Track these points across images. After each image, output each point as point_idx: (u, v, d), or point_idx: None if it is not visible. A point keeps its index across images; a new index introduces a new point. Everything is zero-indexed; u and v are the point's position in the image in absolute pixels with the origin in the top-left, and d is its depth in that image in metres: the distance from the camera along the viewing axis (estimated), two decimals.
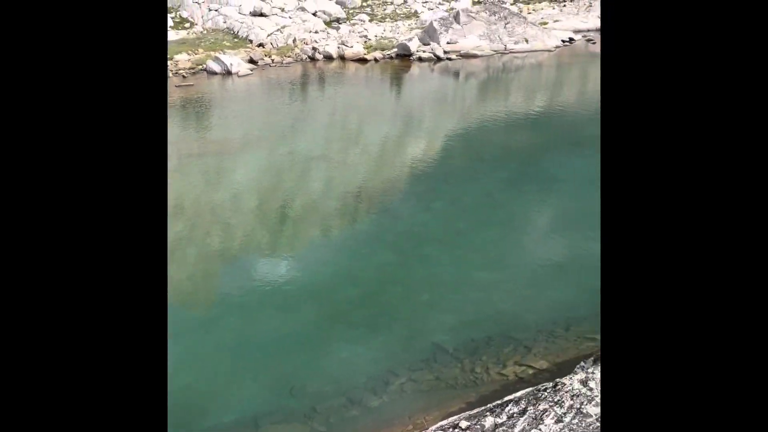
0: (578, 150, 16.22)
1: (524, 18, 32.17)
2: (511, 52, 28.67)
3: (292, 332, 8.74)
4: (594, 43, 31.41)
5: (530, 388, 5.97)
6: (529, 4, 38.95)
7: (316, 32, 29.77)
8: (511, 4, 38.06)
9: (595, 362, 5.83)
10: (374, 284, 10.09)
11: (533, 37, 29.40)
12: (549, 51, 29.15)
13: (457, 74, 26.72)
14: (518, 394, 5.94)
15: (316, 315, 9.14)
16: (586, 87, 24.54)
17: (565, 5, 38.77)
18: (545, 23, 33.23)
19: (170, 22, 28.35)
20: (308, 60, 27.50)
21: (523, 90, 24.22)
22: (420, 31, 30.71)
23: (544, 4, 39.49)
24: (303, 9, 31.37)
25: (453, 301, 9.37)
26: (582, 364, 6.01)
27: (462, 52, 28.18)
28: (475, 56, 28.14)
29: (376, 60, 27.82)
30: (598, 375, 5.33)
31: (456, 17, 29.67)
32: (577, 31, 33.03)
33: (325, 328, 8.87)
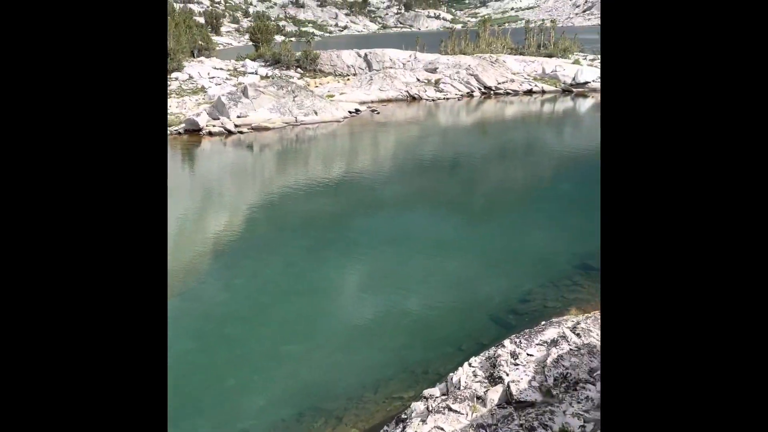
0: (375, 213, 17.00)
1: (311, 92, 33.58)
2: (302, 124, 29.58)
3: None
4: (378, 113, 33.76)
5: None
6: (315, 78, 40.88)
7: None
8: (299, 79, 39.61)
9: (397, 423, 5.91)
10: (174, 376, 9.26)
11: (322, 109, 30.75)
12: (338, 121, 30.66)
13: (251, 147, 26.74)
14: None
15: None
16: (377, 153, 26.09)
17: (348, 79, 41.38)
18: (332, 96, 35.03)
19: None
20: None
21: (319, 159, 24.95)
22: (208, 105, 30.37)
23: (329, 78, 41.75)
24: None
25: (260, 381, 8.93)
26: (386, 428, 6.05)
27: (253, 125, 28.40)
28: (266, 129, 28.51)
29: None
30: None
31: (244, 92, 29.95)
32: (362, 103, 35.31)
33: None
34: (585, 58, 48.77)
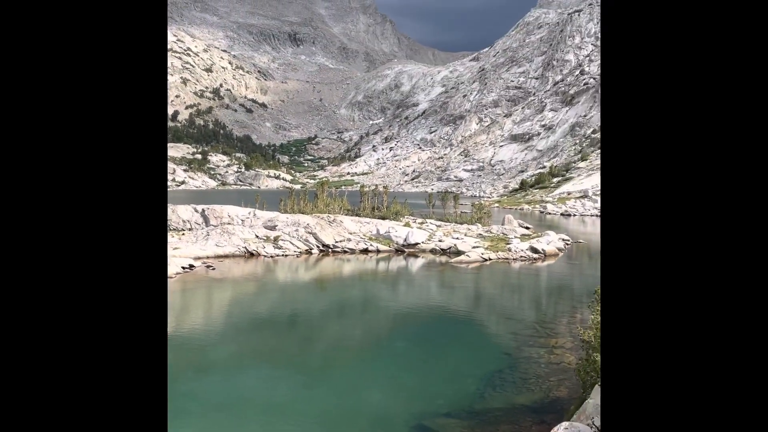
0: (204, 376, 15.80)
1: None
2: None
3: None
4: (214, 269, 32.85)
5: None
6: None
7: None
8: None
9: None
10: None
11: None
12: (170, 277, 29.21)
13: None
14: None
15: None
16: (210, 310, 24.92)
17: (183, 234, 40.34)
18: None
19: None
20: None
21: None
22: None
23: None
24: None
25: None
26: None
27: None
28: None
29: None
30: None
31: None
32: (197, 258, 34.28)
33: None
34: (415, 221, 52.78)
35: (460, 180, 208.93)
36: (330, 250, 41.05)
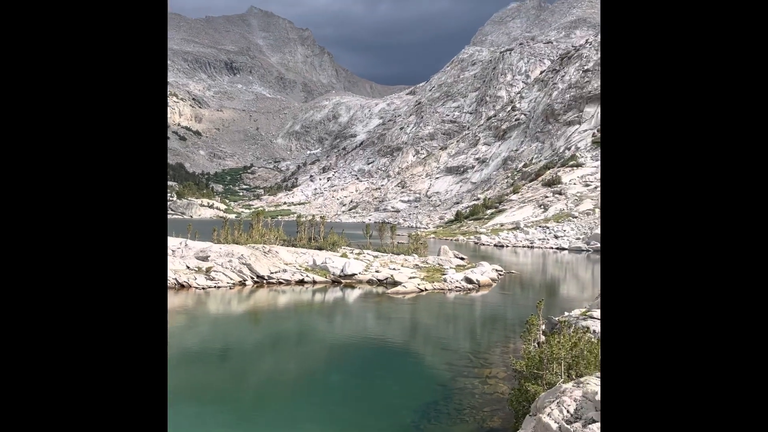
0: None
1: None
2: None
3: None
4: None
5: None
6: None
7: None
8: None
9: None
10: None
11: None
12: None
13: None
14: None
15: None
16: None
17: None
18: None
19: None
20: None
21: None
22: None
23: None
24: None
25: None
26: None
27: None
28: None
29: None
30: None
31: None
32: None
33: None
34: (352, 252, 52.66)
35: (397, 211, 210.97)
36: (265, 281, 40.27)
